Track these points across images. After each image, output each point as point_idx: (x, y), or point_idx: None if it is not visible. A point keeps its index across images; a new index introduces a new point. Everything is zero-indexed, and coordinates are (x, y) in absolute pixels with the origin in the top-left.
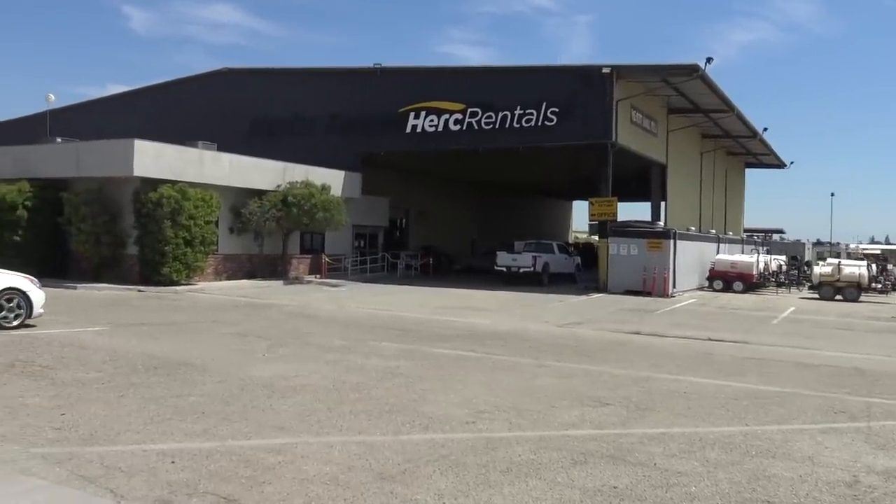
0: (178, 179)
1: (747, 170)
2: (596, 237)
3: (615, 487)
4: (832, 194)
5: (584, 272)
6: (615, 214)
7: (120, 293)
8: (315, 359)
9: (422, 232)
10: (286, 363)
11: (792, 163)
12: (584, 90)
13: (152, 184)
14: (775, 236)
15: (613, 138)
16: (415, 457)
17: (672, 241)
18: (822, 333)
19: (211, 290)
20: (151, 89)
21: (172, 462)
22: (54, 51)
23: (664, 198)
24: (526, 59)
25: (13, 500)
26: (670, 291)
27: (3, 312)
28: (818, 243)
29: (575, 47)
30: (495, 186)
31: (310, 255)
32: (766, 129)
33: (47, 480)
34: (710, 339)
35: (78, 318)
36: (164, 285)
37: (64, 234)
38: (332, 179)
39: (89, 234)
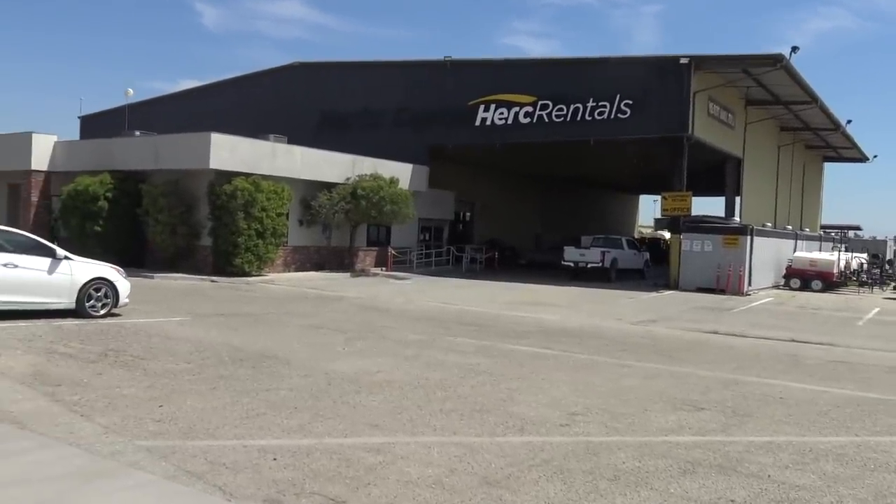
0: (252, 172)
1: (826, 164)
2: (664, 232)
3: (732, 501)
4: None
5: (652, 268)
6: (689, 209)
7: (195, 283)
8: (394, 354)
9: (486, 226)
10: (366, 358)
11: (875, 156)
12: (659, 81)
13: (227, 176)
14: (852, 233)
15: (689, 131)
16: (516, 461)
17: (749, 238)
18: None
19: (281, 282)
20: (224, 84)
21: (274, 459)
22: (130, 46)
23: (739, 192)
24: (591, 50)
25: (128, 494)
26: (745, 289)
27: (92, 301)
28: None
29: (642, 39)
30: (560, 180)
31: (376, 248)
32: (849, 122)
33: (156, 475)
34: (793, 341)
35: (159, 308)
36: (237, 276)
37: (141, 225)
38: (400, 172)
39: (166, 224)
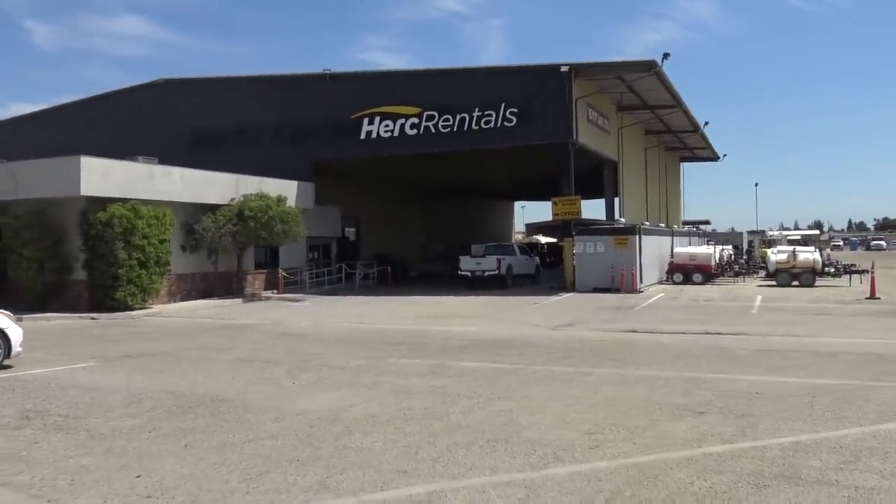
0: (128, 197)
1: (683, 164)
2: (538, 236)
3: None
4: (756, 184)
5: (542, 272)
6: (579, 213)
7: (74, 322)
8: (350, 384)
9: (373, 240)
10: (326, 391)
11: (725, 155)
12: (542, 90)
13: (100, 203)
14: (704, 227)
15: (574, 137)
16: (587, 497)
17: (637, 237)
18: (806, 320)
19: (170, 313)
20: (81, 104)
21: None
22: None
23: (617, 194)
24: (445, 63)
25: None
26: (638, 287)
27: None
28: (753, 232)
29: (491, 51)
30: (441, 189)
31: (265, 270)
32: (706, 124)
33: None
34: (707, 333)
35: (52, 355)
36: (118, 311)
37: (1, 262)
38: (286, 190)
39: (32, 260)
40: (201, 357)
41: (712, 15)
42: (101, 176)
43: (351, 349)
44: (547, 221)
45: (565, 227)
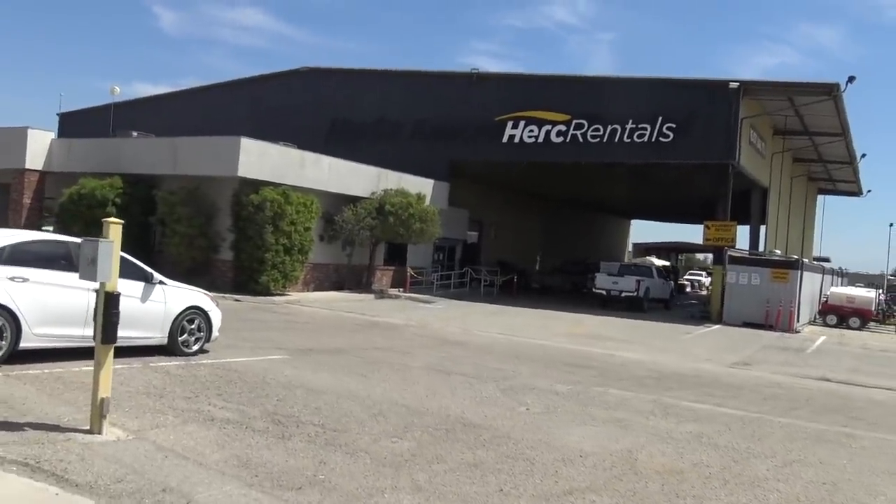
0: (279, 182)
1: (818, 196)
2: (652, 258)
3: None
4: (892, 224)
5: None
6: (734, 240)
7: (225, 304)
8: (591, 417)
9: (492, 246)
10: (576, 426)
11: (869, 191)
12: (706, 106)
13: (252, 185)
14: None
15: (737, 159)
16: None
17: (799, 272)
18: None
19: (309, 303)
20: (222, 86)
21: None
22: (81, 49)
23: (763, 222)
24: (549, 70)
25: None
26: (795, 326)
27: (184, 336)
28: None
29: (596, 64)
30: (562, 201)
31: (392, 267)
32: (864, 156)
33: None
34: None
35: (231, 339)
36: (260, 294)
37: (152, 235)
38: (423, 188)
39: (183, 236)
40: (388, 361)
41: (836, 42)
42: (257, 158)
43: (537, 368)
44: (659, 243)
45: (717, 253)
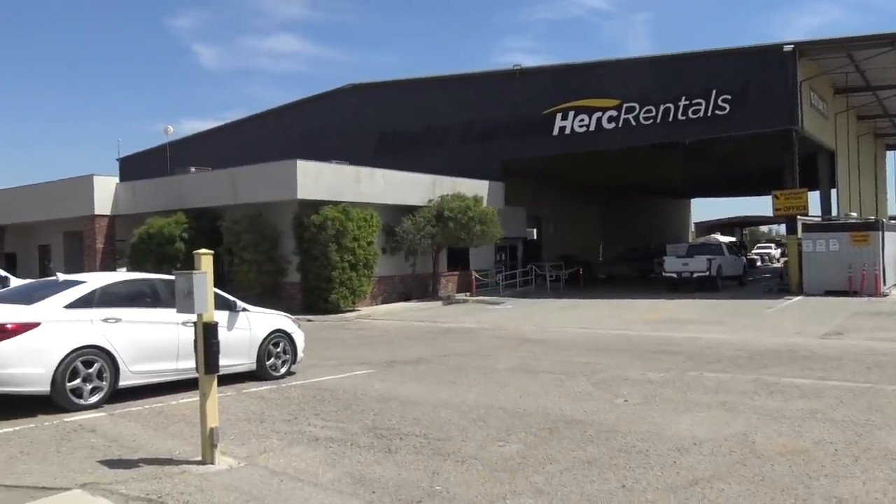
0: (337, 199)
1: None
2: (716, 235)
3: None
4: None
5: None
6: (805, 207)
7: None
8: (693, 403)
9: (552, 240)
10: (680, 413)
11: None
12: (760, 73)
13: (312, 206)
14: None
15: (799, 124)
16: None
17: (880, 234)
18: None
19: (379, 316)
20: (271, 113)
21: None
22: (130, 92)
23: (833, 185)
24: (585, 58)
25: None
26: (882, 289)
27: (272, 360)
28: None
29: (634, 46)
30: (618, 188)
31: (456, 272)
32: None
33: None
34: None
35: (313, 359)
36: (330, 313)
37: (220, 265)
38: (478, 190)
39: (251, 262)
40: (472, 365)
41: None
42: (313, 179)
43: (623, 359)
44: (722, 219)
45: (789, 223)
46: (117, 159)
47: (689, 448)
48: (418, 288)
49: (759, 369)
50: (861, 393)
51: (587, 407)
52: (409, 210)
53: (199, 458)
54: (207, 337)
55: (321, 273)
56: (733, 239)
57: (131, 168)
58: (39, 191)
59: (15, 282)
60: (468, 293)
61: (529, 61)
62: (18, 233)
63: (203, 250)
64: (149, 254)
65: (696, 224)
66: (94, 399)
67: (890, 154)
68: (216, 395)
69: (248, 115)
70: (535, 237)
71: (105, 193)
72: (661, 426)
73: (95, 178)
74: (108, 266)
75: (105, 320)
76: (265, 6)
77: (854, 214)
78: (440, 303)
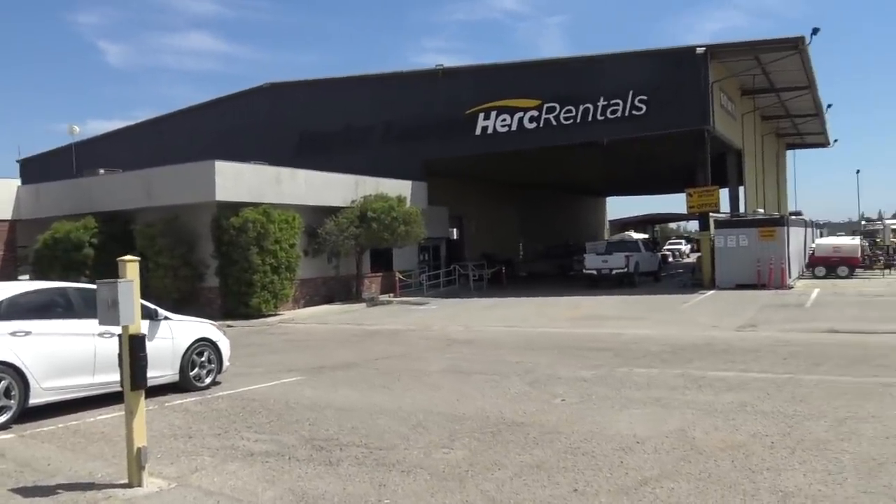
0: (258, 201)
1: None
2: (630, 232)
3: None
4: (858, 171)
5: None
6: (718, 204)
7: None
8: (628, 400)
9: (474, 239)
10: (616, 410)
11: (836, 141)
12: (675, 74)
13: (231, 208)
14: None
15: (712, 124)
16: None
17: (785, 229)
18: None
19: (303, 319)
20: (184, 113)
21: None
22: (29, 91)
23: (741, 183)
24: (498, 59)
25: None
26: (787, 282)
27: (196, 370)
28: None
29: (548, 48)
30: (537, 187)
31: (379, 274)
32: (829, 106)
33: None
34: None
35: (239, 367)
36: (251, 318)
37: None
38: (401, 191)
39: (167, 268)
40: (404, 369)
41: (781, 1)
42: (232, 180)
43: (552, 356)
44: (634, 217)
45: (702, 219)
46: (17, 161)
47: (633, 447)
48: (342, 290)
49: (684, 364)
50: (783, 384)
51: (526, 408)
52: (332, 211)
53: (125, 481)
54: (134, 350)
55: (242, 277)
56: (645, 236)
57: (33, 171)
58: None
59: None
60: (392, 294)
61: (445, 61)
62: None
63: (128, 257)
64: (54, 260)
65: (610, 222)
66: (2, 420)
67: (790, 153)
68: (144, 411)
69: (158, 114)
70: (456, 237)
71: (5, 196)
72: (601, 425)
73: None
74: (9, 275)
75: (13, 334)
76: (173, 3)
77: (761, 211)
78: (364, 305)
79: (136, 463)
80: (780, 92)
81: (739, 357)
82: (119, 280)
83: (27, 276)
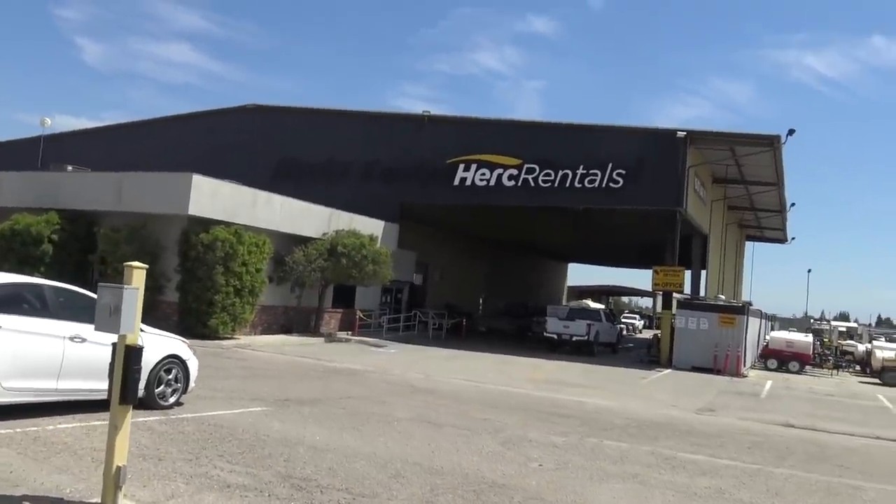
0: (230, 221)
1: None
2: (588, 301)
3: None
4: (809, 270)
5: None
6: (682, 284)
7: None
8: (606, 473)
9: (440, 288)
10: (597, 483)
11: (794, 238)
12: (654, 153)
13: (202, 223)
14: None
15: (684, 206)
16: None
17: (746, 318)
18: None
19: (259, 347)
20: (159, 121)
21: None
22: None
23: (704, 266)
24: (476, 113)
25: None
26: (742, 370)
27: (161, 388)
28: (814, 321)
29: (524, 109)
30: (502, 244)
31: (340, 310)
32: (793, 205)
33: None
34: (879, 438)
35: (201, 390)
36: (206, 338)
37: (89, 273)
38: (374, 229)
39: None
40: (370, 412)
41: (746, 97)
42: (209, 196)
43: (519, 417)
44: (593, 286)
45: (665, 298)
46: None
47: None
48: (301, 322)
49: (651, 441)
50: (754, 474)
51: (504, 469)
52: (303, 241)
53: (98, 501)
54: (129, 362)
55: (203, 296)
56: (602, 307)
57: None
58: None
59: None
60: (350, 332)
61: (424, 108)
62: None
63: (136, 263)
64: (9, 252)
65: (569, 287)
66: None
67: (749, 244)
68: (129, 428)
69: (128, 119)
70: (420, 283)
71: None
72: (584, 497)
73: None
74: None
75: None
76: (161, 11)
77: (723, 297)
78: (322, 339)
79: (114, 482)
80: (749, 185)
81: (703, 440)
82: (125, 286)
83: None
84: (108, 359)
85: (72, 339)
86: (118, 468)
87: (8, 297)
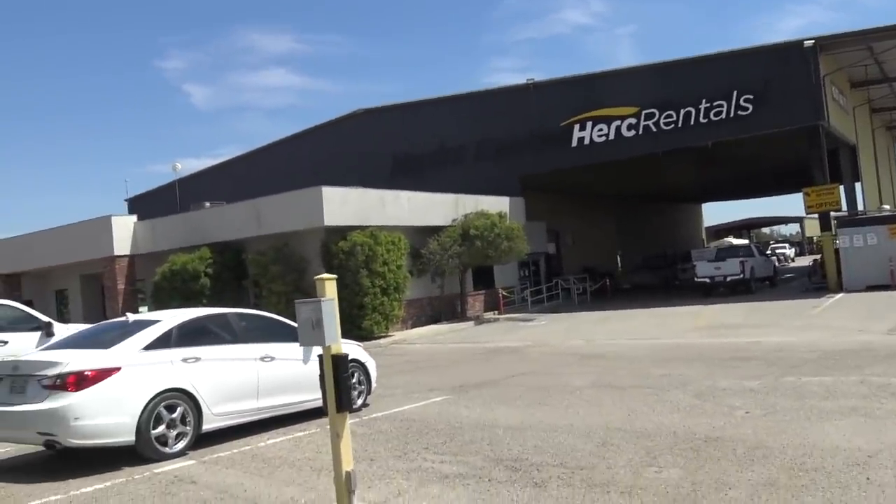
0: (364, 224)
1: None
2: (730, 238)
3: None
4: None
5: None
6: (838, 202)
7: None
8: (817, 410)
9: (572, 253)
10: (818, 422)
11: None
12: (781, 71)
13: (338, 232)
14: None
15: (826, 119)
16: None
17: None
18: None
19: (414, 340)
20: (278, 144)
21: None
22: (124, 136)
23: (857, 179)
24: (573, 72)
25: None
26: None
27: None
28: None
29: (619, 58)
30: (629, 197)
31: (482, 292)
32: None
33: None
34: None
35: (378, 387)
36: (363, 339)
37: (247, 298)
38: (500, 207)
39: (280, 294)
40: (547, 385)
41: None
42: (339, 205)
43: (700, 368)
44: (730, 223)
45: (823, 219)
46: (125, 200)
47: (867, 461)
48: (446, 309)
49: (856, 370)
50: None
51: (711, 422)
52: (434, 231)
53: None
54: (338, 370)
55: (352, 300)
56: (745, 241)
57: (140, 208)
58: (55, 235)
59: (59, 327)
60: (496, 312)
61: (518, 80)
62: (34, 279)
63: (326, 275)
64: (173, 291)
65: (706, 228)
66: (180, 446)
67: None
68: (349, 434)
69: (242, 151)
70: (554, 251)
71: (123, 233)
72: (810, 439)
73: (113, 218)
74: (132, 307)
75: (185, 360)
76: (253, 42)
77: (887, 207)
78: (471, 323)
79: (346, 488)
80: (893, 81)
81: None
82: (322, 299)
83: (146, 308)
84: (297, 373)
85: (262, 359)
86: (347, 474)
87: (199, 330)
